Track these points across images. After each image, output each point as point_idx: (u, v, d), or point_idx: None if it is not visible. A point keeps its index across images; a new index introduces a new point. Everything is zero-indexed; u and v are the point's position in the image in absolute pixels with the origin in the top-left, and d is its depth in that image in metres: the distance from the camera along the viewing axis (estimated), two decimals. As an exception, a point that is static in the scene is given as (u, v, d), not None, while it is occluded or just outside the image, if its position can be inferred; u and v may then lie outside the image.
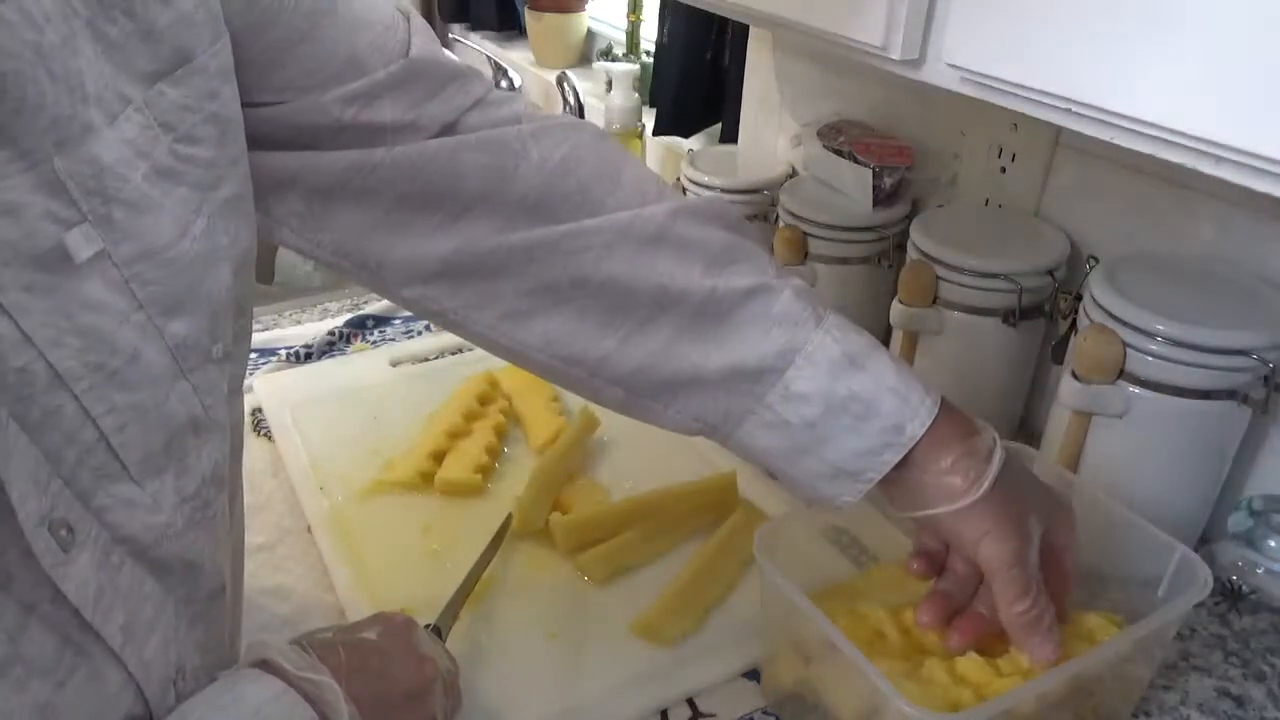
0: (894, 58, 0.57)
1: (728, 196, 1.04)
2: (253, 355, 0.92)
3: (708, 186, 1.04)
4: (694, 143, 1.34)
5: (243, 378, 0.49)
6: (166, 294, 0.37)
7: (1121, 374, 0.65)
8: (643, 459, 0.80)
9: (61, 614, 0.34)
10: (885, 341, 0.95)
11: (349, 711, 0.42)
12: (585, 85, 1.41)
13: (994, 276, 0.75)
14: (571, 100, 1.31)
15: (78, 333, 0.33)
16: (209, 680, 0.41)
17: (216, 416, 0.41)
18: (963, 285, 0.76)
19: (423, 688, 0.48)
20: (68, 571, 0.33)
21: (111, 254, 0.34)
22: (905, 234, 0.83)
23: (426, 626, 0.55)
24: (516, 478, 0.76)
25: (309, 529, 0.71)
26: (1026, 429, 0.86)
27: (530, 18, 1.66)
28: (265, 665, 0.42)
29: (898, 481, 0.51)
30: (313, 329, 0.98)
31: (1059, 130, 0.77)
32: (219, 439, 0.42)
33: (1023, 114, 0.51)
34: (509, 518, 0.71)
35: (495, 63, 1.52)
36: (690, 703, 0.59)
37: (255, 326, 0.96)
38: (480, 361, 0.92)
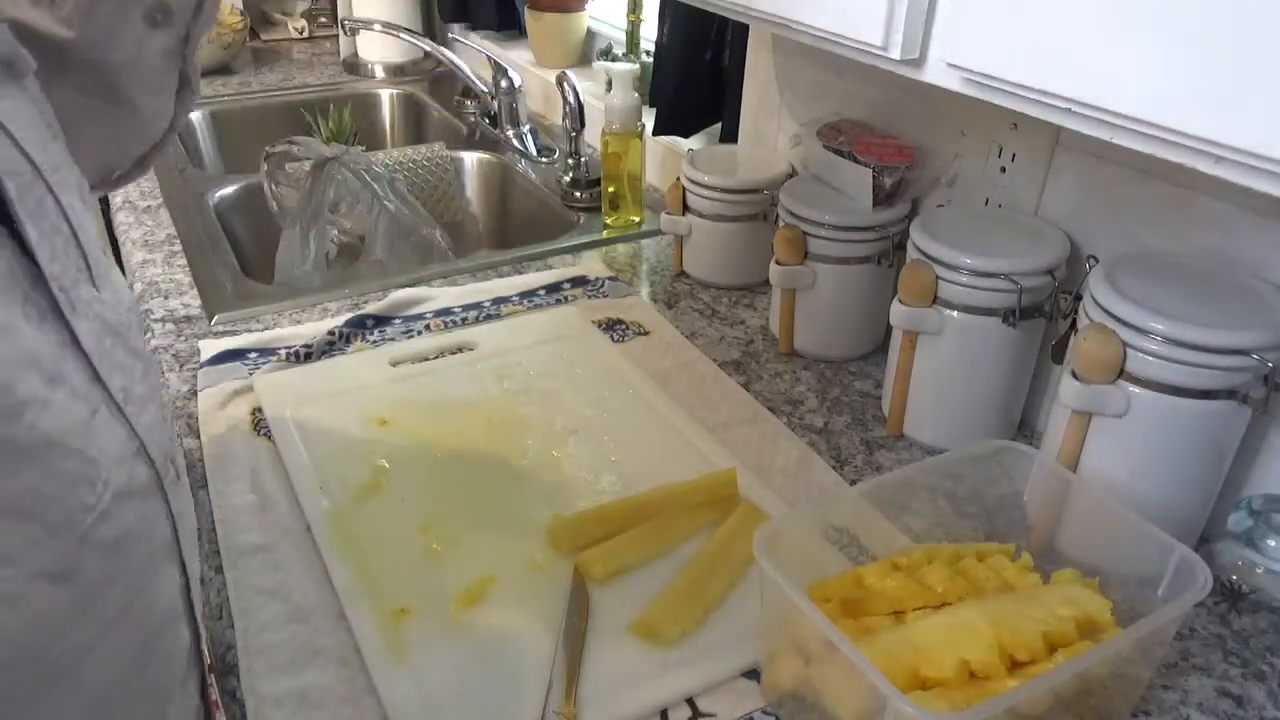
0: (894, 58, 0.57)
1: (728, 196, 1.04)
2: (252, 355, 0.93)
3: (708, 186, 1.04)
4: (694, 143, 1.34)
5: None
6: None
7: (1121, 374, 0.65)
8: (643, 459, 0.80)
9: (82, 360, 0.40)
10: (885, 342, 0.96)
11: None
12: (585, 85, 1.41)
13: (994, 276, 0.75)
14: (571, 100, 1.31)
15: None
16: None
17: None
18: (963, 285, 0.76)
19: None
20: (77, 324, 0.40)
21: None
22: (905, 234, 0.83)
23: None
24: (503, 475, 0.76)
25: (309, 529, 0.71)
26: (1026, 429, 0.86)
27: (530, 17, 1.66)
28: None
29: None
30: (312, 329, 0.98)
31: (1059, 130, 0.77)
32: None
33: (1023, 114, 0.51)
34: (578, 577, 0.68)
35: (495, 62, 1.52)
36: (690, 703, 0.59)
37: (255, 326, 0.98)
38: (480, 361, 0.93)
